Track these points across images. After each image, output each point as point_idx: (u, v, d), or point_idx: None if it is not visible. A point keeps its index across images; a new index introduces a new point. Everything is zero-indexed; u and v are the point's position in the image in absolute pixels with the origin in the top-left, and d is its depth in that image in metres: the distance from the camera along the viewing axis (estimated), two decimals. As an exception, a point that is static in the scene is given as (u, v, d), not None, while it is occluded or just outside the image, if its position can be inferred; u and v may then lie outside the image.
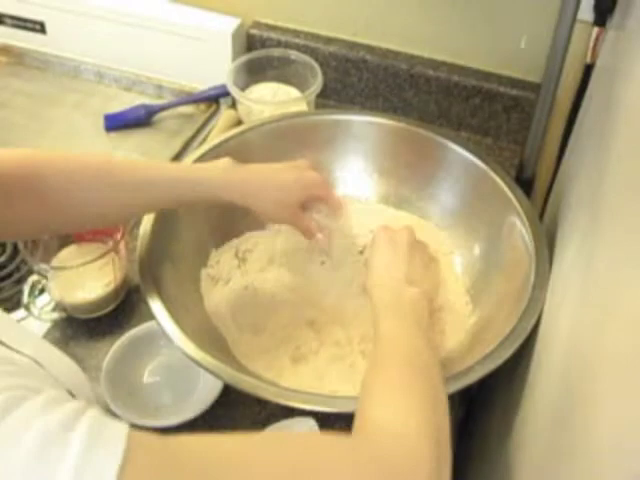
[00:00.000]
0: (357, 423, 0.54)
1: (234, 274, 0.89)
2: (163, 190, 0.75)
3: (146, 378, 0.83)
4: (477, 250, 0.90)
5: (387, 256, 0.77)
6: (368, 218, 0.96)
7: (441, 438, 0.53)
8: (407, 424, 0.52)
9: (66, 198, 0.69)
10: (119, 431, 0.40)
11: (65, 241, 0.89)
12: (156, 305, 0.75)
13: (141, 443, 0.41)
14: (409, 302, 0.71)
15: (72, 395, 0.55)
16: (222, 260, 0.90)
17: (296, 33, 1.17)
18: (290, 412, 0.76)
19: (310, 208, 0.84)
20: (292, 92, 1.13)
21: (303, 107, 1.07)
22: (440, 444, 0.52)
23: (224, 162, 0.78)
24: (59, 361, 0.61)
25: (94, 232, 0.89)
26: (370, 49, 1.15)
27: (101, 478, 0.38)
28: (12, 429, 0.38)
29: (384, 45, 1.15)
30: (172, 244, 0.85)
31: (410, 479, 0.49)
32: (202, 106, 1.19)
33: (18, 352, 0.53)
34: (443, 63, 1.13)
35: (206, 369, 0.70)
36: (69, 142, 1.13)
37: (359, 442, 0.51)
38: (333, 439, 0.50)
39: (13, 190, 0.66)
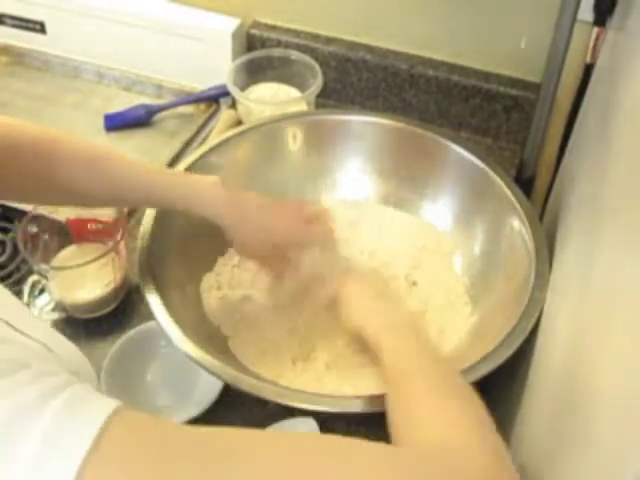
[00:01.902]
0: (411, 444, 0.51)
1: (237, 280, 0.89)
2: (142, 192, 0.75)
3: (146, 378, 0.83)
4: (477, 250, 0.90)
5: (360, 289, 0.76)
6: (369, 219, 0.96)
7: (501, 451, 0.51)
8: (468, 439, 0.50)
9: (49, 171, 0.71)
10: (103, 405, 0.40)
11: (65, 241, 0.89)
12: (155, 304, 0.75)
13: (128, 419, 0.41)
14: (400, 319, 0.70)
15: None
16: (227, 266, 0.90)
17: (296, 33, 1.17)
18: (290, 412, 0.76)
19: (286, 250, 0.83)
20: (292, 92, 1.13)
21: (303, 107, 1.07)
22: (502, 457, 0.50)
23: (215, 179, 0.77)
24: (66, 348, 0.62)
25: (94, 232, 0.89)
26: (370, 49, 1.15)
27: (72, 446, 0.38)
28: None
29: (384, 45, 1.15)
30: (174, 245, 0.85)
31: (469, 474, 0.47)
32: (202, 106, 1.19)
33: (29, 337, 0.53)
34: (443, 63, 1.13)
35: (206, 369, 0.70)
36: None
37: (400, 450, 0.49)
38: (367, 445, 0.47)
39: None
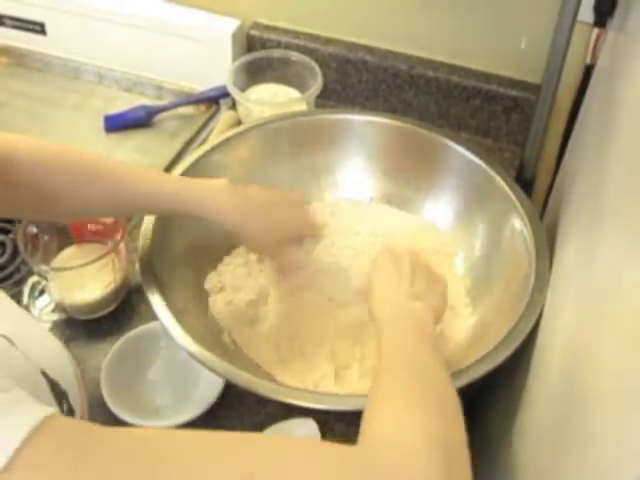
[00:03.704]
0: (362, 437, 0.51)
1: (240, 281, 0.89)
2: (151, 203, 0.76)
3: (146, 379, 0.82)
4: (478, 251, 0.90)
5: (388, 273, 0.74)
6: (370, 219, 0.96)
7: (454, 448, 0.50)
8: (415, 439, 0.49)
9: (47, 185, 0.70)
10: (31, 413, 0.40)
11: (65, 242, 0.89)
12: (156, 301, 0.75)
13: (59, 425, 0.40)
14: (410, 315, 0.68)
15: (45, 375, 0.55)
16: (230, 266, 0.90)
17: (296, 34, 1.17)
18: (290, 413, 0.76)
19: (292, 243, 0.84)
20: (292, 93, 1.13)
21: (303, 108, 1.07)
22: (452, 453, 0.49)
23: (220, 182, 0.77)
24: (37, 339, 0.61)
25: (94, 233, 0.89)
26: (370, 50, 1.15)
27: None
28: None
29: (384, 46, 1.15)
30: (175, 245, 0.85)
31: None
32: (202, 107, 1.19)
33: None
34: (443, 64, 1.13)
35: (205, 364, 0.70)
36: (69, 143, 1.11)
37: (359, 450, 0.49)
38: (339, 449, 0.47)
39: None
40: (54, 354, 0.62)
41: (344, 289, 0.86)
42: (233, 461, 0.43)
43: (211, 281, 0.87)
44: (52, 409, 0.41)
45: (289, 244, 0.83)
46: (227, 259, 0.90)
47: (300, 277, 0.86)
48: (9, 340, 0.53)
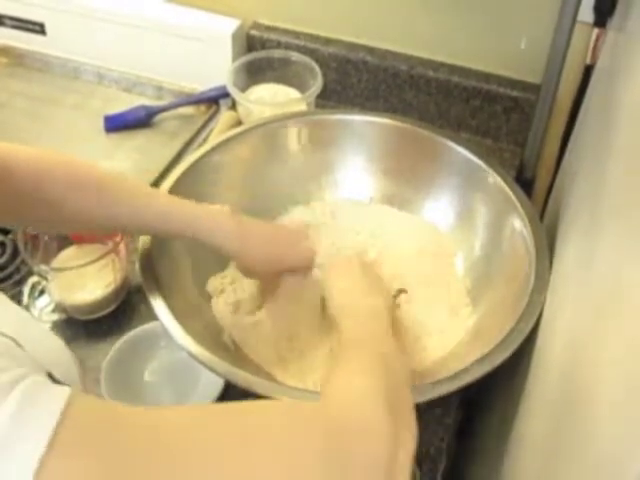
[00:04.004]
0: (323, 395, 0.55)
1: (243, 284, 0.88)
2: (154, 222, 0.75)
3: (146, 379, 0.83)
4: (478, 251, 0.90)
5: (341, 271, 0.79)
6: (370, 219, 0.96)
7: (399, 412, 0.53)
8: (354, 387, 0.54)
9: (60, 199, 0.70)
10: (57, 393, 0.40)
11: (65, 242, 0.89)
12: (155, 300, 0.75)
13: (84, 404, 0.41)
14: (368, 307, 0.71)
15: (51, 376, 0.55)
16: (232, 269, 0.90)
17: (296, 34, 1.17)
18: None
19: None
20: (292, 93, 1.13)
21: (303, 108, 1.07)
22: (394, 405, 0.53)
23: (223, 208, 0.78)
24: (42, 341, 0.61)
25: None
26: (370, 50, 1.15)
27: (33, 441, 0.37)
28: None
29: (384, 46, 1.15)
30: (175, 244, 0.84)
31: (362, 443, 0.49)
32: (202, 107, 1.19)
33: None
34: (443, 64, 1.13)
35: (207, 366, 0.70)
36: (69, 143, 1.13)
37: (315, 407, 0.52)
38: (289, 404, 0.52)
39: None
40: (58, 355, 0.62)
41: None
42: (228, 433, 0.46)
43: (212, 284, 0.87)
44: (63, 393, 0.41)
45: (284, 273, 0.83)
46: (231, 263, 0.90)
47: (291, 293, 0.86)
48: (15, 342, 0.53)
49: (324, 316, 0.85)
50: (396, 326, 0.80)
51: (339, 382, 0.56)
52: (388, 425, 0.50)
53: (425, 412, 0.79)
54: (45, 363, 0.54)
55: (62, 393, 0.40)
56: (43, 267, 0.84)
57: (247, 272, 0.84)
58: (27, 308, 0.84)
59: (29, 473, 0.36)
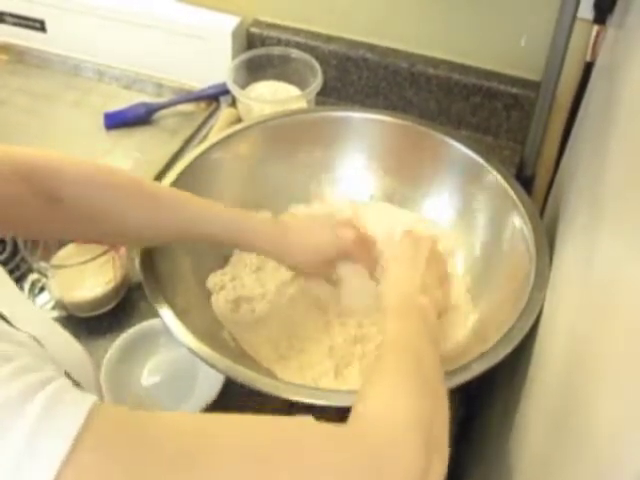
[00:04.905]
0: (354, 414, 0.54)
1: (244, 281, 0.89)
2: (204, 231, 0.76)
3: (146, 377, 0.83)
4: (478, 249, 0.90)
5: (405, 263, 0.79)
6: (370, 217, 0.96)
7: (434, 429, 0.53)
8: (395, 414, 0.52)
9: (114, 213, 0.70)
10: (80, 402, 0.40)
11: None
12: (155, 297, 0.75)
13: (107, 414, 0.41)
14: (417, 307, 0.71)
15: (69, 376, 0.55)
16: (233, 266, 0.90)
17: (296, 31, 1.17)
18: (289, 412, 0.76)
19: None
20: (292, 90, 1.13)
21: (303, 105, 1.07)
22: (432, 434, 0.52)
23: (265, 216, 0.82)
24: (62, 343, 0.61)
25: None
26: (370, 47, 1.15)
27: (54, 445, 0.37)
28: None
29: (384, 43, 1.15)
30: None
31: (392, 463, 0.49)
32: (202, 104, 1.19)
33: (19, 330, 0.52)
34: (443, 61, 1.13)
35: (207, 363, 0.70)
36: (69, 140, 1.13)
37: (348, 428, 0.51)
38: (323, 425, 0.50)
39: (25, 191, 0.65)
40: (76, 356, 0.62)
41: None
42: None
43: (213, 280, 0.87)
44: (90, 399, 0.41)
45: (336, 260, 0.85)
46: (231, 260, 0.90)
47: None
48: (38, 342, 0.53)
49: (323, 313, 0.86)
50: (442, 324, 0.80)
51: (376, 396, 0.55)
52: (420, 455, 0.50)
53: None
54: (64, 364, 0.55)
55: (86, 400, 0.40)
56: (43, 264, 0.84)
57: (301, 271, 0.85)
58: (29, 299, 0.84)
59: (51, 474, 0.37)
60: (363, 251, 0.86)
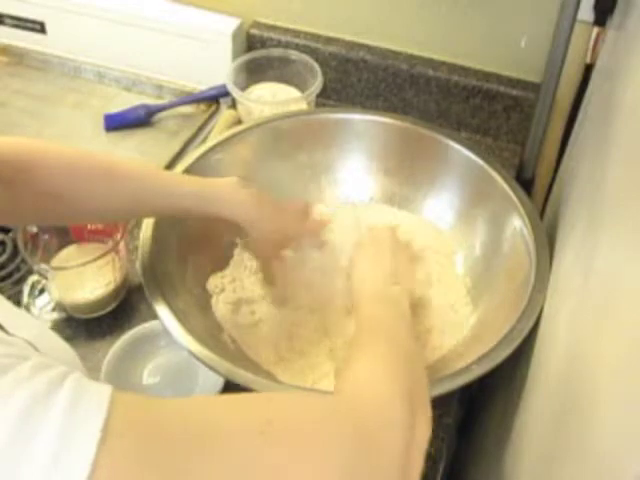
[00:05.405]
0: (338, 386, 0.56)
1: (243, 283, 0.89)
2: (170, 203, 0.75)
3: (146, 378, 0.83)
4: (478, 250, 0.90)
5: (370, 255, 0.80)
6: (370, 219, 0.96)
7: (415, 391, 0.55)
8: (387, 388, 0.54)
9: (68, 190, 0.70)
10: (102, 391, 0.41)
11: (65, 241, 0.89)
12: (155, 298, 0.75)
13: (124, 401, 0.41)
14: (389, 296, 0.72)
15: None
16: (233, 268, 0.90)
17: (296, 33, 1.17)
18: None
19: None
20: (292, 92, 1.13)
21: (303, 107, 1.07)
22: (413, 396, 0.54)
23: (232, 180, 0.79)
24: (54, 347, 0.61)
25: (94, 232, 0.89)
26: (370, 49, 1.15)
27: (86, 434, 0.38)
28: (0, 393, 0.38)
29: (384, 45, 1.15)
30: (176, 242, 0.84)
31: (381, 433, 0.50)
32: (202, 106, 1.19)
33: (13, 335, 0.53)
34: (443, 63, 1.13)
35: (207, 365, 0.70)
36: (69, 142, 1.13)
37: (337, 400, 0.53)
38: (313, 397, 0.52)
39: (13, 177, 0.66)
40: (67, 360, 0.62)
41: (343, 288, 0.86)
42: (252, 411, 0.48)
43: (213, 282, 0.87)
44: (107, 388, 0.42)
45: (286, 248, 0.85)
46: (231, 262, 0.90)
47: (290, 285, 0.86)
48: (33, 346, 0.53)
49: (323, 315, 0.85)
50: (415, 313, 0.80)
51: (355, 370, 0.57)
52: (405, 414, 0.52)
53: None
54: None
55: (106, 388, 0.41)
56: (43, 266, 0.83)
57: (256, 249, 0.85)
58: (27, 307, 0.84)
59: (88, 461, 0.37)
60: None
